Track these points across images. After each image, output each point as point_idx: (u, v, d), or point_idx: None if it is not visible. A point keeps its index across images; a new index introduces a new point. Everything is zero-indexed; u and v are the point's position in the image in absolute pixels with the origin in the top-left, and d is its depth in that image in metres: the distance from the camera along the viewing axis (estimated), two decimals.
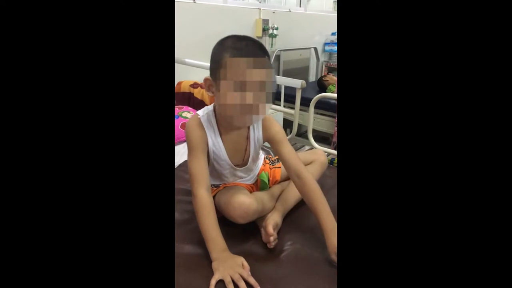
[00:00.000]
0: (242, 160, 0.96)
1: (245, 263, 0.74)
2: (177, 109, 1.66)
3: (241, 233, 0.88)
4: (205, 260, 0.77)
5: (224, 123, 0.88)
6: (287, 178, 1.04)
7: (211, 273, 0.72)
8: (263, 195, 0.97)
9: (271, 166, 1.08)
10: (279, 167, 1.06)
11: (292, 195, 0.97)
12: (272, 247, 0.83)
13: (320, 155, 1.14)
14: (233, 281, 0.70)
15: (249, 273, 0.73)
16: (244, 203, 0.85)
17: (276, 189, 1.03)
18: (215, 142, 0.89)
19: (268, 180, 1.05)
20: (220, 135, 0.89)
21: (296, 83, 1.55)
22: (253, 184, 1.05)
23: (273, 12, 2.70)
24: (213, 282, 0.70)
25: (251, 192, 1.00)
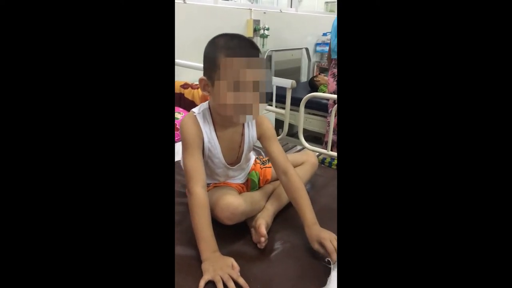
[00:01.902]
0: (235, 158, 0.96)
1: (235, 264, 0.74)
2: None
3: (231, 233, 0.88)
4: (196, 261, 0.76)
5: (220, 120, 0.88)
6: (277, 178, 1.04)
7: (201, 274, 0.72)
8: (253, 195, 0.97)
9: (262, 166, 1.08)
10: (270, 167, 1.06)
11: (285, 194, 0.97)
12: (262, 247, 0.83)
13: (311, 156, 1.14)
14: (223, 282, 0.69)
15: (239, 274, 0.72)
16: (232, 204, 0.85)
17: (267, 188, 1.04)
18: (211, 139, 0.88)
19: (259, 179, 1.05)
20: (216, 132, 0.89)
21: (286, 82, 1.55)
22: (244, 183, 1.04)
23: (264, 13, 2.70)
24: (202, 283, 0.69)
25: (240, 192, 1.00)
